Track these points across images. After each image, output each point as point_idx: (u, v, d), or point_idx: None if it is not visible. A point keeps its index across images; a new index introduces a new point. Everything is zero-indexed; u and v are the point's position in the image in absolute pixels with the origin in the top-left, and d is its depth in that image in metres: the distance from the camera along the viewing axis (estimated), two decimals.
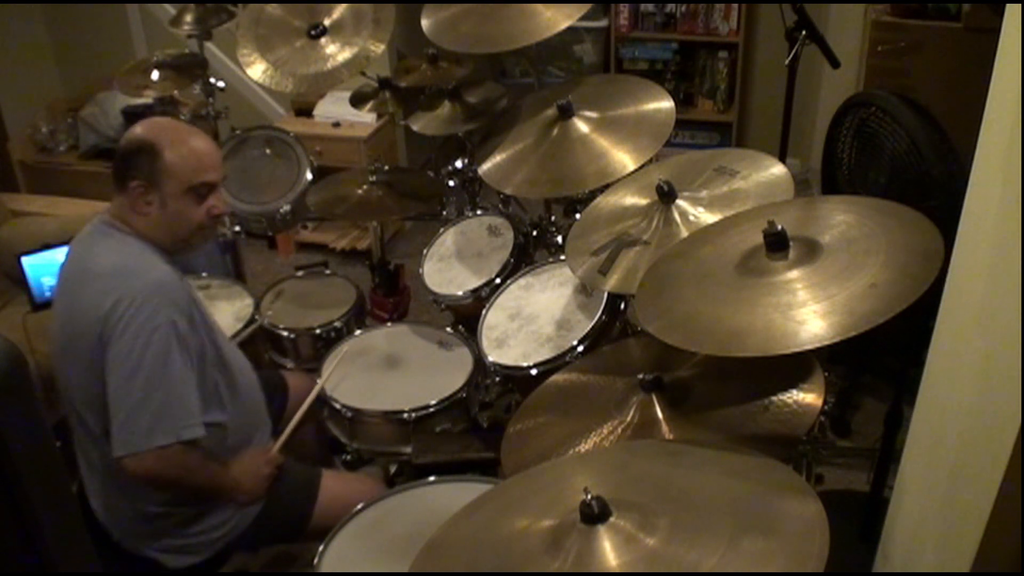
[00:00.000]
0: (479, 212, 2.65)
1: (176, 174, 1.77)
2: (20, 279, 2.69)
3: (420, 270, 2.52)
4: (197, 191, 1.80)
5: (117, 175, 1.80)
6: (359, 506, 1.79)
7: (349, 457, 2.29)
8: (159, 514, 1.82)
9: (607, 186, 2.13)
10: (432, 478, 1.85)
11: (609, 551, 1.16)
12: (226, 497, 1.85)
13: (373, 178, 2.59)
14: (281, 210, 2.79)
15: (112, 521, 1.85)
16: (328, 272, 2.84)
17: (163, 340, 1.68)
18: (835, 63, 2.50)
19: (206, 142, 1.84)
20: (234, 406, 1.88)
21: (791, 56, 2.44)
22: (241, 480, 1.86)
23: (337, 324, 2.56)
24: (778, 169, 1.92)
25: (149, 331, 1.67)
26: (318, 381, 2.21)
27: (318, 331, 2.54)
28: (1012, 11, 1.16)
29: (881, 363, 2.86)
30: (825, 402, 1.56)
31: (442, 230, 2.63)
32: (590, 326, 2.05)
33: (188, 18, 2.96)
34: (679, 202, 1.90)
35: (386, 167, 2.68)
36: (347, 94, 2.89)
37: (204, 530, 1.85)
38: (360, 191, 2.58)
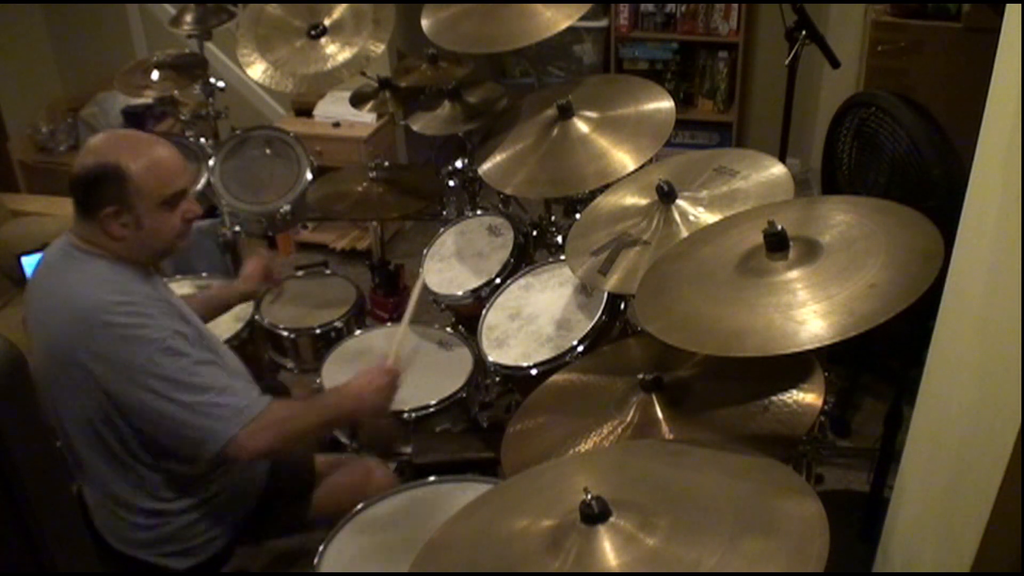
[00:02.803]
0: (479, 212, 2.65)
1: (147, 191, 1.69)
2: (20, 279, 2.70)
3: (420, 270, 2.52)
4: (170, 202, 1.73)
5: (82, 204, 1.71)
6: (359, 506, 1.79)
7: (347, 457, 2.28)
8: (157, 524, 1.80)
9: (607, 186, 2.13)
10: (432, 478, 1.85)
11: (609, 551, 1.16)
12: (348, 419, 1.89)
13: (373, 174, 2.59)
14: (281, 210, 2.79)
15: (110, 531, 1.84)
16: (328, 272, 2.84)
17: (180, 343, 1.67)
18: (835, 63, 2.50)
19: (167, 148, 1.75)
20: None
21: (791, 56, 2.44)
22: (363, 396, 1.84)
23: (337, 324, 2.56)
24: (778, 169, 1.92)
25: (164, 338, 1.65)
26: (421, 272, 2.20)
27: (318, 331, 2.54)
28: (1012, 11, 1.16)
29: (881, 363, 2.86)
30: (825, 402, 1.56)
31: (442, 230, 2.63)
32: (590, 326, 2.05)
33: (188, 18, 2.96)
34: (679, 202, 1.90)
35: (386, 163, 2.68)
36: (347, 94, 2.89)
37: (204, 530, 1.85)
38: (360, 188, 2.58)
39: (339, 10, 2.75)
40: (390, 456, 2.26)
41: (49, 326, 1.72)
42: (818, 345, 1.32)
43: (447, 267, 2.50)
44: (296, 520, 1.97)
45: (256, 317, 2.55)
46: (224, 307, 2.35)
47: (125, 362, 1.64)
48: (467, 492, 1.71)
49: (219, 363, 1.74)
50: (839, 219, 1.57)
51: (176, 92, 2.95)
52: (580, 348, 2.01)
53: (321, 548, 1.69)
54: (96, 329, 1.65)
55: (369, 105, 2.80)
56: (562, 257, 2.27)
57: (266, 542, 2.05)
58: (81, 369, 1.66)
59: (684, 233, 1.83)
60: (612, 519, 1.19)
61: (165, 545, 1.83)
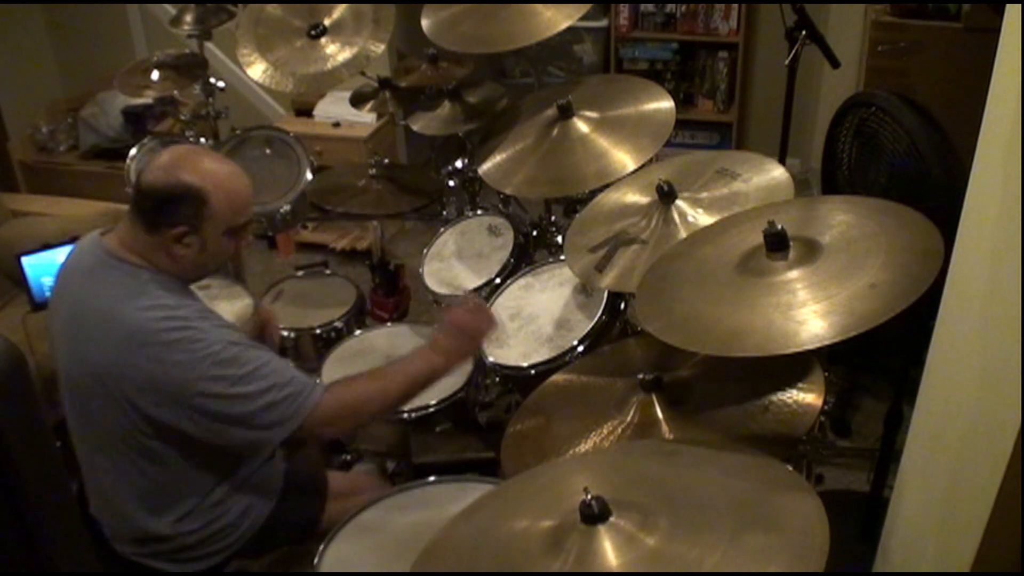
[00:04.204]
0: (479, 212, 2.65)
1: (220, 219, 1.68)
2: (20, 279, 2.69)
3: (420, 270, 2.52)
4: (235, 231, 1.73)
5: (148, 218, 1.66)
6: (359, 506, 1.79)
7: (349, 457, 2.29)
8: (173, 539, 1.79)
9: (607, 186, 2.13)
10: (432, 478, 1.85)
11: (610, 551, 1.16)
12: (439, 375, 1.84)
13: (373, 171, 2.59)
14: (281, 210, 2.79)
15: (120, 537, 1.83)
16: (328, 272, 2.84)
17: (234, 349, 1.64)
18: (835, 63, 2.50)
19: (243, 178, 1.74)
20: None
21: (791, 56, 2.44)
22: (449, 352, 1.82)
23: (337, 324, 2.56)
24: (779, 173, 1.92)
25: (218, 351, 1.62)
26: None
27: (318, 331, 2.54)
28: (1012, 11, 1.16)
29: (881, 363, 2.86)
30: (825, 402, 1.56)
31: (442, 230, 2.63)
32: (590, 326, 2.05)
33: (188, 18, 2.95)
34: (678, 203, 1.90)
35: (386, 160, 2.68)
36: (347, 94, 2.89)
37: (215, 543, 1.84)
38: (359, 184, 2.59)
39: (339, 10, 2.74)
40: (390, 456, 2.26)
41: (86, 342, 1.67)
42: (818, 345, 1.32)
43: (447, 267, 2.50)
44: (304, 535, 1.96)
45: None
46: None
47: (181, 380, 1.61)
48: (467, 492, 1.70)
49: (275, 354, 1.73)
50: (839, 219, 1.57)
51: (176, 92, 2.94)
52: (580, 348, 2.01)
53: (321, 548, 1.69)
54: (147, 351, 1.61)
55: (369, 105, 2.80)
56: (562, 257, 2.27)
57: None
58: (124, 389, 1.63)
59: (682, 234, 1.83)
60: (612, 519, 1.19)
61: (177, 554, 1.82)
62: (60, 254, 2.61)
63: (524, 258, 2.45)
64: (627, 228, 1.92)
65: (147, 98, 3.32)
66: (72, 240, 2.56)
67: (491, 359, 2.11)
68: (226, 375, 1.62)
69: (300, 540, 1.98)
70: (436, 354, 1.82)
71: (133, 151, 2.85)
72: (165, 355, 1.61)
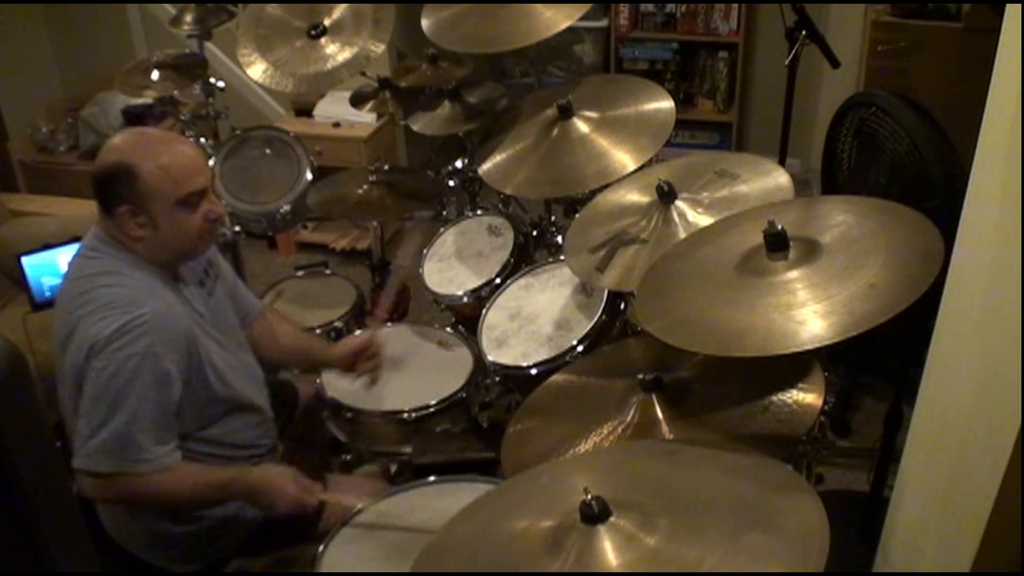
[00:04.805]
0: (479, 212, 2.65)
1: (160, 191, 1.65)
2: (20, 279, 2.69)
3: (420, 270, 2.52)
4: (187, 202, 1.69)
5: (100, 203, 1.70)
6: (359, 506, 1.79)
7: (349, 457, 2.28)
8: (168, 534, 1.80)
9: (607, 186, 2.13)
10: (432, 478, 1.85)
11: (610, 551, 1.16)
12: (239, 499, 1.79)
13: (373, 177, 2.59)
14: (281, 210, 2.79)
15: (119, 532, 1.83)
16: (328, 272, 2.84)
17: (135, 370, 1.60)
18: (835, 63, 2.50)
19: (183, 148, 1.71)
20: (231, 422, 1.86)
21: (791, 56, 2.44)
22: (260, 489, 1.76)
23: (337, 324, 2.56)
24: (779, 174, 1.92)
25: (122, 359, 1.60)
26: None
27: (318, 331, 2.54)
28: (1012, 11, 1.16)
29: (881, 363, 2.86)
30: (825, 402, 1.56)
31: (442, 230, 2.63)
32: (590, 326, 2.05)
33: (188, 18, 2.96)
34: (678, 203, 1.90)
35: (386, 166, 2.68)
36: (347, 94, 2.89)
37: (213, 539, 1.84)
38: (360, 191, 2.58)
39: (339, 10, 2.75)
40: (389, 456, 2.26)
41: (72, 322, 1.68)
42: (818, 345, 1.32)
43: (447, 267, 2.50)
44: (303, 533, 1.96)
45: None
46: (317, 364, 2.25)
47: (79, 343, 1.63)
48: (467, 492, 1.70)
49: (165, 405, 1.67)
50: (839, 219, 1.57)
51: (176, 92, 2.95)
52: (580, 348, 2.01)
53: (321, 548, 1.69)
54: (80, 307, 1.65)
55: (369, 105, 2.80)
56: (562, 257, 2.27)
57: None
58: (80, 363, 1.65)
59: (682, 234, 1.83)
60: (612, 519, 1.19)
61: (172, 550, 1.83)
62: (60, 254, 2.62)
63: (524, 258, 2.45)
64: (627, 228, 1.92)
65: (147, 98, 3.32)
66: (72, 240, 2.57)
67: (491, 359, 2.11)
68: (98, 381, 1.61)
69: (298, 542, 1.98)
70: (254, 495, 1.76)
71: None
72: (84, 316, 1.64)
